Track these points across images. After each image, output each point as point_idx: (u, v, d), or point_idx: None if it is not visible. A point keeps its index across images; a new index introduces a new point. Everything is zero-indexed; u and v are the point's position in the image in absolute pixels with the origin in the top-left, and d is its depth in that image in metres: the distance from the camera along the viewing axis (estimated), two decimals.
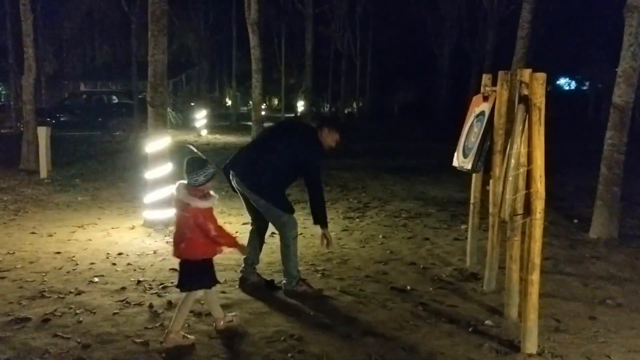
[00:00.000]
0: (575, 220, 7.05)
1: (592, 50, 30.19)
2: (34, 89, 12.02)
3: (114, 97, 23.71)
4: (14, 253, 5.45)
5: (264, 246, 5.83)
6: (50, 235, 6.18)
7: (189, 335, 3.57)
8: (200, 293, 3.63)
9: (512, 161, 3.59)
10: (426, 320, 3.92)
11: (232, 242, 3.65)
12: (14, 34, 22.43)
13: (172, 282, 4.61)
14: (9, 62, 25.61)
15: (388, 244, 6.01)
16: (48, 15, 27.23)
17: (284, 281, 4.46)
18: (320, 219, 4.35)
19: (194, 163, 3.51)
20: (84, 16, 32.11)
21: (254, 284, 4.54)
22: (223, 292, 4.42)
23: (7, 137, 19.47)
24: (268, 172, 4.27)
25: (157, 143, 6.60)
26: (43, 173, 10.38)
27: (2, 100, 37.94)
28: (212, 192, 3.58)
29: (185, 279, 3.57)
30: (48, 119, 18.49)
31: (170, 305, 4.11)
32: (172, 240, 3.74)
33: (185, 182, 3.51)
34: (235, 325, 3.75)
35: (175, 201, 3.54)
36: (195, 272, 3.55)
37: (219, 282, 3.85)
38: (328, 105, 40.37)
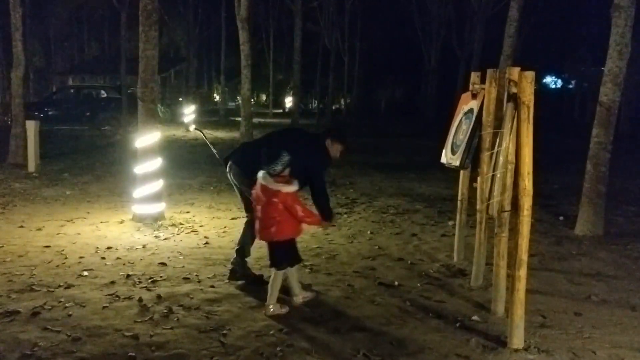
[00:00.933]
0: (561, 218, 7.15)
1: (578, 49, 30.49)
2: (22, 83, 11.91)
3: (103, 92, 23.52)
4: (2, 247, 5.42)
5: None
6: (39, 229, 6.15)
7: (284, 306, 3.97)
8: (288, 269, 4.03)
9: (501, 158, 3.64)
10: (414, 316, 3.97)
11: (317, 220, 4.14)
12: (3, 28, 22.16)
13: (161, 276, 4.63)
14: None
15: (376, 240, 6.06)
16: (37, 9, 26.93)
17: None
18: (328, 219, 4.39)
19: (270, 154, 3.91)
20: (72, 10, 31.79)
21: (243, 276, 4.55)
22: (212, 286, 4.45)
23: None
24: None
25: (146, 138, 6.58)
26: (31, 167, 10.30)
27: None
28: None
29: (279, 259, 3.99)
30: (36, 113, 18.32)
31: (159, 298, 4.13)
32: (258, 226, 3.99)
33: (265, 172, 3.88)
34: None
35: (262, 190, 3.88)
36: (286, 251, 4.00)
37: (303, 260, 4.39)
38: (316, 102, 40.33)
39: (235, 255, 4.60)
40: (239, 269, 4.56)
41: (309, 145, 4.44)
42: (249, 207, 4.46)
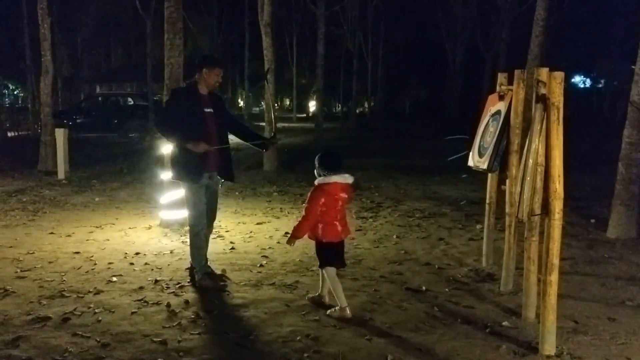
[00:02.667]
0: (593, 220, 6.99)
1: (607, 47, 29.88)
2: (51, 92, 12.18)
3: (130, 99, 23.94)
4: (33, 253, 5.53)
5: (278, 245, 5.89)
6: (69, 236, 6.26)
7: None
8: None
9: (530, 161, 3.57)
10: (442, 321, 3.91)
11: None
12: (32, 37, 22.72)
13: (188, 282, 4.66)
14: (26, 64, 25.97)
15: (402, 244, 6.00)
16: (64, 18, 27.53)
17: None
18: None
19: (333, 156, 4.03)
20: (99, 19, 32.45)
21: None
22: (238, 291, 4.46)
23: (25, 139, 19.73)
24: None
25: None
26: (61, 174, 10.51)
27: (20, 102, 38.50)
28: None
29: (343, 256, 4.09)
30: (65, 121, 18.72)
31: (187, 304, 4.15)
32: (340, 224, 3.99)
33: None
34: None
35: (343, 188, 3.92)
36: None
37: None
38: (339, 105, 40.35)
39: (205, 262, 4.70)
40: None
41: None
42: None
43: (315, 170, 4.02)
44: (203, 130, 4.43)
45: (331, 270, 4.00)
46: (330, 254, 4.00)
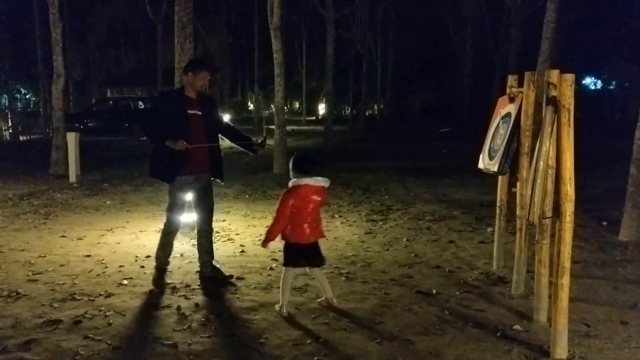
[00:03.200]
0: (604, 223, 6.93)
1: (619, 48, 29.65)
2: (62, 96, 12.28)
3: (140, 103, 24.11)
4: (45, 256, 5.57)
5: None
6: (80, 239, 6.30)
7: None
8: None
9: (541, 163, 3.54)
10: (453, 325, 3.89)
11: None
12: (44, 42, 22.96)
13: (198, 285, 4.67)
14: (38, 69, 26.24)
15: (412, 247, 5.98)
16: (76, 23, 27.81)
17: None
18: None
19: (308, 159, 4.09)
20: (110, 24, 32.73)
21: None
22: (249, 294, 4.46)
23: (37, 142, 19.93)
24: None
25: None
26: (72, 177, 10.59)
27: (32, 106, 38.89)
28: None
29: (321, 255, 4.13)
30: (76, 125, 18.89)
31: (197, 307, 4.16)
32: (309, 227, 4.00)
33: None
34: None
35: (315, 191, 3.95)
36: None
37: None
38: (349, 108, 40.39)
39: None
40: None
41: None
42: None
43: (289, 173, 4.05)
44: (185, 131, 4.47)
45: (290, 271, 4.07)
46: (294, 255, 4.03)
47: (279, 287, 4.12)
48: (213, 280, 4.75)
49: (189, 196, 4.71)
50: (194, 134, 4.51)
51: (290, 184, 3.99)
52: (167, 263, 4.82)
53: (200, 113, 4.59)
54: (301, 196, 3.93)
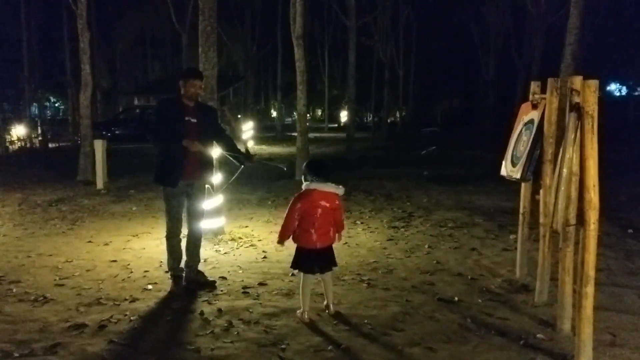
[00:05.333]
0: (630, 230, 6.81)
1: None
2: (90, 104, 12.54)
3: None
4: (72, 261, 5.69)
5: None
6: (107, 244, 6.42)
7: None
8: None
9: (564, 170, 3.51)
10: (475, 333, 3.86)
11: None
12: (72, 51, 23.49)
13: (221, 290, 4.73)
14: (67, 78, 26.85)
15: (434, 254, 5.96)
16: (103, 32, 28.40)
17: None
18: None
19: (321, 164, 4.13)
20: (137, 33, 33.33)
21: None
22: (271, 300, 4.50)
23: (66, 150, 20.36)
24: None
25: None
26: (99, 184, 10.79)
27: (61, 114, 39.76)
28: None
29: (333, 260, 4.18)
30: (104, 133, 19.24)
31: (220, 312, 4.21)
32: (316, 233, 4.03)
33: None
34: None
35: (324, 197, 3.98)
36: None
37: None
38: (371, 115, 40.39)
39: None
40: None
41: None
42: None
43: (302, 177, 4.12)
44: (183, 137, 4.57)
45: (308, 278, 4.11)
46: (302, 258, 4.08)
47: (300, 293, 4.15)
48: (196, 283, 4.85)
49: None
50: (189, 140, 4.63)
51: (302, 187, 4.06)
52: (181, 270, 4.88)
53: (195, 120, 4.71)
54: (309, 201, 3.97)
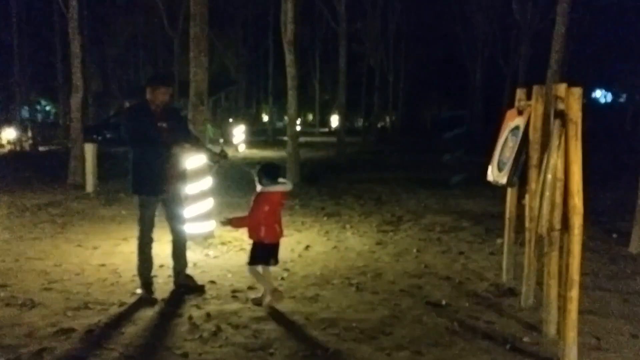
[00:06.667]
0: (615, 235, 6.89)
1: (629, 60, 29.48)
2: (81, 107, 12.50)
3: None
4: (60, 265, 5.67)
5: (300, 259, 5.95)
6: (95, 248, 6.40)
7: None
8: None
9: (549, 176, 3.57)
10: (462, 336, 3.90)
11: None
12: (63, 55, 23.39)
13: (210, 294, 4.73)
14: (58, 81, 26.71)
15: (422, 258, 6.00)
16: (95, 36, 28.31)
17: None
18: None
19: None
20: (128, 37, 33.24)
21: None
22: (258, 305, 4.51)
23: (56, 153, 20.24)
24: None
25: (196, 158, 6.75)
26: (89, 187, 10.74)
27: (52, 118, 39.54)
28: None
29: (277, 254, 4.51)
30: (94, 136, 19.15)
31: (208, 316, 4.22)
32: (279, 227, 4.49)
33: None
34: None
35: (283, 195, 4.45)
36: None
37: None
38: (361, 120, 40.56)
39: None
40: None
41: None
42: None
43: (256, 179, 4.42)
44: (158, 142, 4.60)
45: (258, 268, 4.43)
46: (266, 253, 4.41)
47: (292, 296, 4.18)
48: (185, 288, 4.87)
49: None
50: (163, 146, 4.64)
51: (261, 189, 4.39)
52: (151, 277, 4.86)
53: (165, 125, 4.71)
54: (274, 202, 4.38)
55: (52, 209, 8.96)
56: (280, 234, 4.48)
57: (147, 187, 4.67)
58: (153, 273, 5.32)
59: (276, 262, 4.50)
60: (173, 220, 4.91)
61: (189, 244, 6.48)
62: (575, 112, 3.34)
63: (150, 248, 4.84)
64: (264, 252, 4.42)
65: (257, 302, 4.47)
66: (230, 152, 5.24)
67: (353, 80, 27.23)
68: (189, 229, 6.70)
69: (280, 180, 4.45)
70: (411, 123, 40.25)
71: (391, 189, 11.13)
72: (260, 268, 4.47)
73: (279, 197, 4.43)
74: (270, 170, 4.44)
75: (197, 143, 5.11)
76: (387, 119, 40.54)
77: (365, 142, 26.93)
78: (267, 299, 4.40)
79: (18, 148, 22.49)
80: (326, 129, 41.22)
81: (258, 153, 20.94)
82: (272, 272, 5.29)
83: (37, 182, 12.07)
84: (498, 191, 5.89)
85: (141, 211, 4.71)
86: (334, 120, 39.89)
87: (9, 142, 22.59)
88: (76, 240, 6.76)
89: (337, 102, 25.00)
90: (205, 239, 6.63)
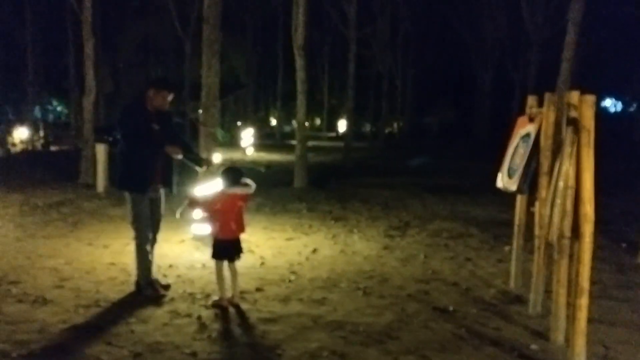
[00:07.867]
0: (624, 244, 6.87)
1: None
2: (92, 108, 12.61)
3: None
4: (71, 263, 5.72)
5: (307, 261, 5.97)
6: (106, 247, 6.45)
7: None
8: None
9: (561, 183, 3.58)
10: (469, 343, 3.90)
11: None
12: (76, 57, 23.57)
13: (220, 295, 4.76)
14: (70, 82, 26.91)
15: (429, 264, 6.00)
16: (107, 39, 28.49)
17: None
18: None
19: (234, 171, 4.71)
20: (140, 40, 33.46)
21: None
22: (267, 306, 4.54)
23: (67, 153, 20.38)
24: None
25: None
26: (100, 187, 10.82)
27: (64, 118, 39.83)
28: None
29: (241, 249, 4.71)
30: (105, 137, 19.26)
31: (217, 316, 4.25)
32: (235, 225, 4.60)
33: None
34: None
35: (241, 197, 4.62)
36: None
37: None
38: (369, 125, 40.58)
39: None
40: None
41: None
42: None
43: (221, 180, 4.62)
44: (152, 143, 4.66)
45: (219, 263, 4.59)
46: (221, 249, 4.59)
47: (299, 298, 4.20)
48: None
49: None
50: (155, 146, 4.70)
51: (223, 189, 4.57)
52: (151, 278, 4.86)
53: (157, 127, 4.77)
54: (228, 202, 4.55)
55: (63, 208, 9.03)
56: (237, 232, 4.61)
57: (131, 183, 4.72)
58: (164, 272, 5.38)
59: (239, 257, 4.67)
60: (158, 220, 4.96)
61: (198, 244, 6.57)
62: (588, 119, 3.35)
63: (150, 247, 4.83)
64: (220, 248, 4.59)
65: (216, 304, 4.53)
66: (239, 155, 5.27)
67: (361, 86, 27.30)
68: (197, 229, 6.77)
69: (243, 181, 4.59)
70: (419, 129, 40.24)
71: (398, 195, 11.12)
72: (220, 265, 4.60)
73: (236, 199, 4.58)
74: (229, 174, 4.62)
75: (186, 149, 5.04)
76: (395, 125, 40.56)
77: (372, 147, 26.94)
78: (216, 299, 4.56)
79: (30, 147, 22.67)
80: (333, 134, 41.23)
81: (266, 156, 20.99)
82: (280, 275, 5.37)
83: (49, 181, 12.16)
84: (506, 198, 5.89)
85: (136, 209, 4.73)
86: (342, 125, 39.89)
87: (21, 142, 22.77)
88: (87, 239, 6.82)
89: (345, 107, 25.04)
90: None
